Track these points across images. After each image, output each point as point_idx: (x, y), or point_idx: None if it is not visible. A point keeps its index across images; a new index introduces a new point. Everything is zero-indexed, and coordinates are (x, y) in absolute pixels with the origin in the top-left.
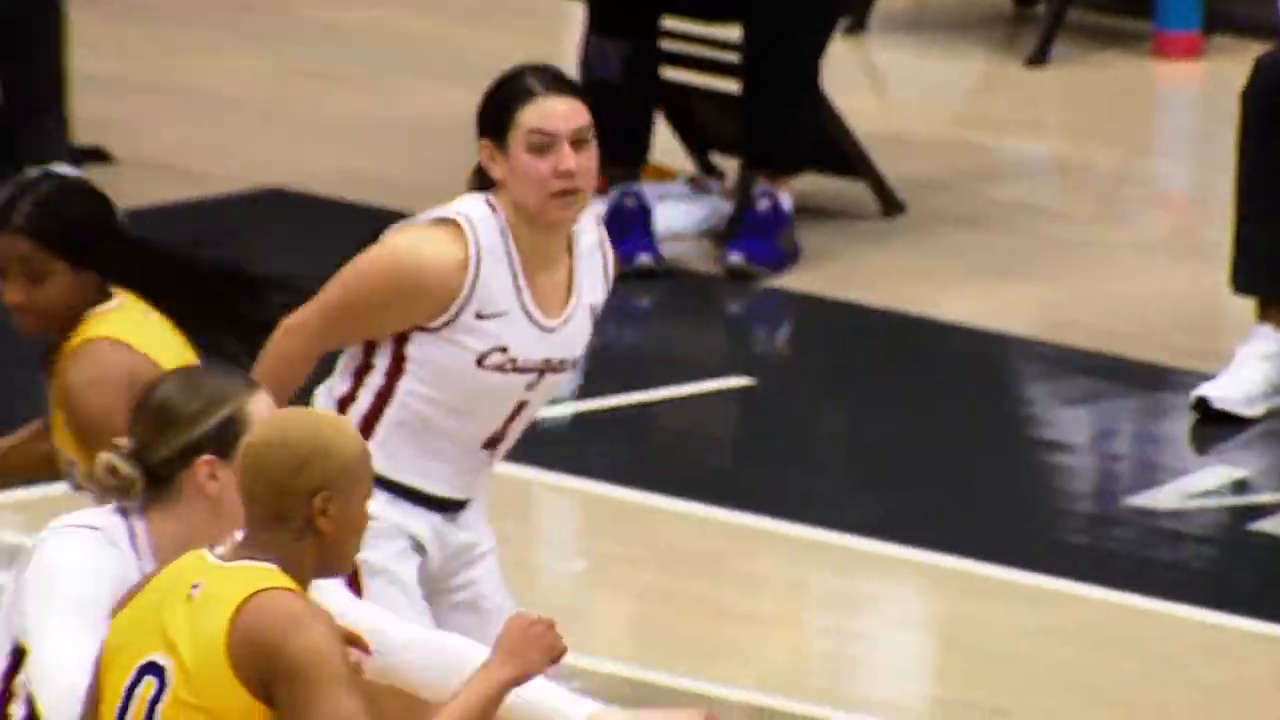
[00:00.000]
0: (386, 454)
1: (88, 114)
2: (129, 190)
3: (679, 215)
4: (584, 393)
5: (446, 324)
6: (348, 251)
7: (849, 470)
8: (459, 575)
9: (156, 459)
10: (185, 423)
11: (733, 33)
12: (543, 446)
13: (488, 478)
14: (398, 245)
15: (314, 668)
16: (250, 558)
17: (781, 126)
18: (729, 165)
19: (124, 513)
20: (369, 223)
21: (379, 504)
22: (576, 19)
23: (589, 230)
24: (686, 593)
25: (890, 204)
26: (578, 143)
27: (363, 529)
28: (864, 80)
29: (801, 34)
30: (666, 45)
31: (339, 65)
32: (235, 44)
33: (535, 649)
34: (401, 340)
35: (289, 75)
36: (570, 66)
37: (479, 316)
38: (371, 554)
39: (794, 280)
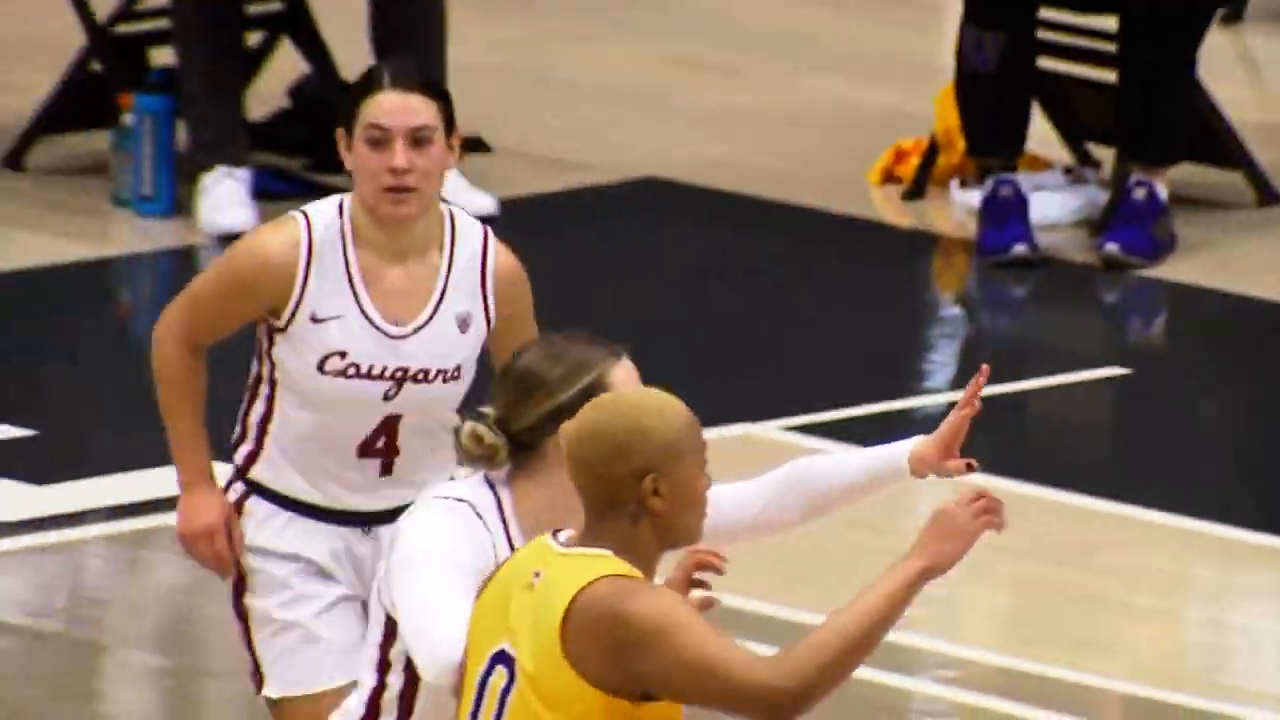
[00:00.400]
0: (273, 469)
1: (467, 105)
2: (506, 179)
3: (1055, 205)
4: (957, 382)
5: (288, 324)
6: (721, 240)
7: (1227, 462)
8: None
9: (520, 427)
10: (548, 390)
11: (1109, 23)
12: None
13: (406, 489)
14: (246, 238)
15: (664, 620)
16: (588, 545)
17: (1157, 116)
18: (1105, 155)
19: (491, 484)
20: (744, 212)
21: (273, 533)
22: (956, 10)
23: (473, 238)
24: (1062, 583)
25: (1266, 193)
26: (416, 141)
27: (701, 497)
28: (1240, 70)
29: (1178, 24)
30: (1043, 35)
31: (716, 55)
32: (613, 34)
33: (958, 537)
34: (270, 345)
35: (667, 65)
36: (946, 57)
37: (314, 320)
38: (256, 602)
39: (1169, 270)
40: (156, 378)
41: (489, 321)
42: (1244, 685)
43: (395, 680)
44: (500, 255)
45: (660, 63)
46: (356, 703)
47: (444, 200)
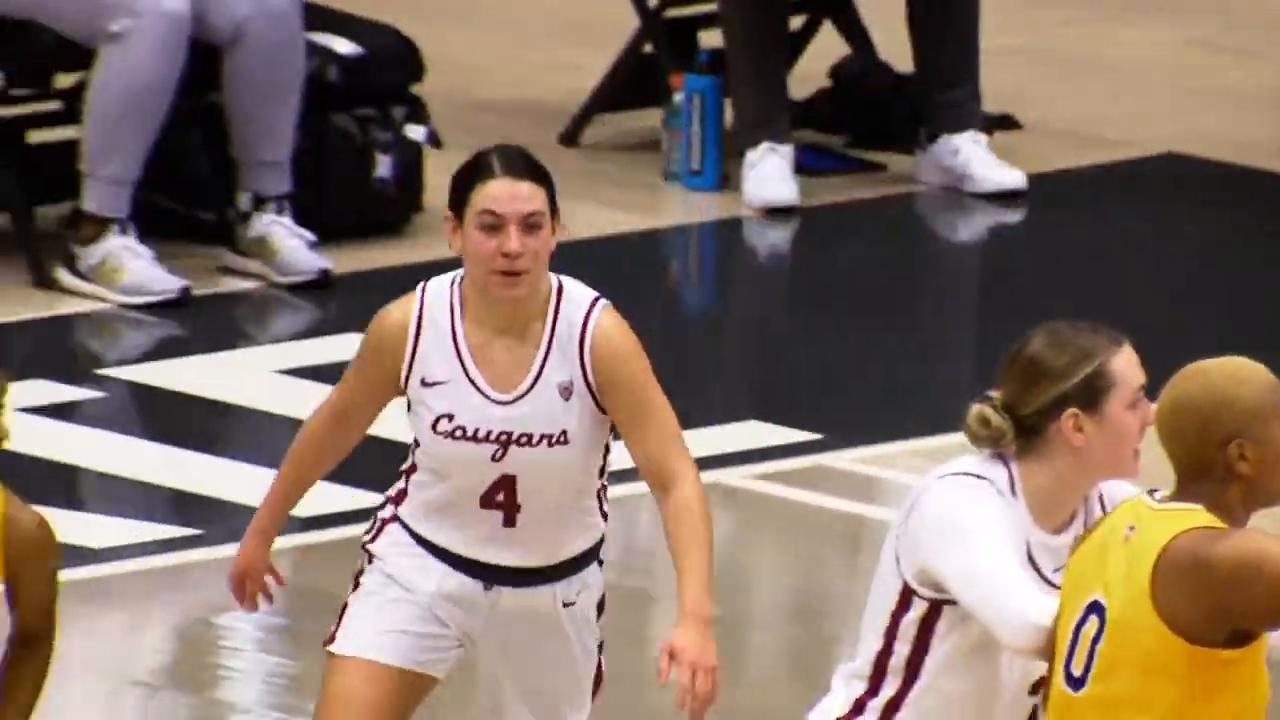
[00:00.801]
0: (412, 511)
1: (997, 83)
2: (1035, 156)
3: None
4: None
5: (405, 387)
6: (1241, 216)
7: None
8: (490, 661)
9: (1026, 411)
10: (1054, 376)
11: None
12: None
13: (538, 550)
14: (382, 309)
15: (1252, 553)
16: (1180, 500)
17: None
18: None
19: (1004, 460)
20: (1262, 188)
21: (397, 556)
22: None
23: (579, 308)
24: None
25: None
26: (528, 226)
27: None
28: None
29: None
30: None
31: (1238, 38)
32: (1137, 16)
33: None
34: (408, 409)
35: (1189, 46)
36: None
37: (424, 384)
38: (348, 623)
39: None
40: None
41: (590, 390)
42: None
43: (902, 647)
44: (601, 325)
45: (1184, 45)
46: (862, 663)
47: (556, 282)
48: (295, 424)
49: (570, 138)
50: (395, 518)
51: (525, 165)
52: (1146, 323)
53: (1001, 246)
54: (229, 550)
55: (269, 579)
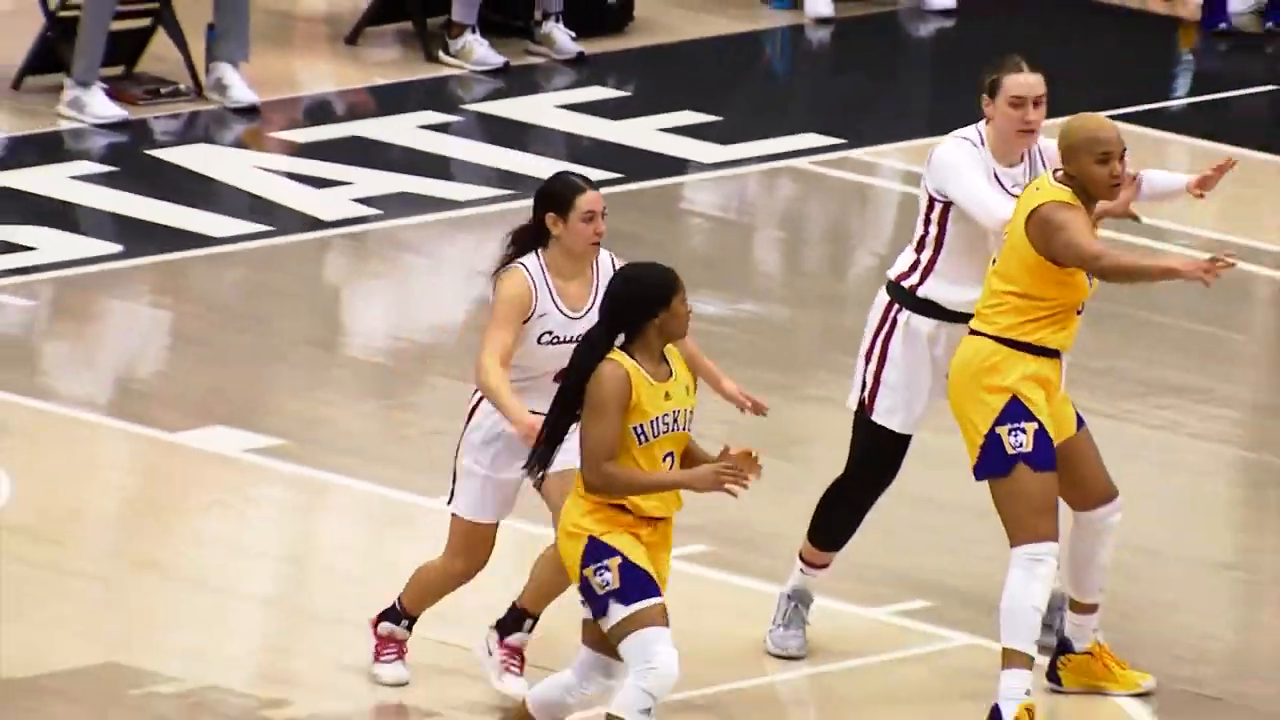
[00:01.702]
0: (511, 389)
1: None
2: None
3: None
4: None
5: (526, 321)
6: None
7: None
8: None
9: (984, 93)
10: (981, 86)
11: None
12: None
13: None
14: (505, 288)
15: (1057, 219)
16: (1063, 183)
17: None
18: None
19: (978, 127)
20: None
21: (493, 416)
22: None
23: (606, 262)
24: None
25: None
26: (602, 216)
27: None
28: None
29: None
30: None
31: None
32: None
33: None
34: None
35: None
36: None
37: (538, 316)
38: (460, 495)
39: None
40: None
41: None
42: None
43: (933, 229)
44: (617, 264)
45: None
46: (914, 242)
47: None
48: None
49: None
50: (476, 410)
51: (591, 181)
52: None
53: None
54: None
55: None
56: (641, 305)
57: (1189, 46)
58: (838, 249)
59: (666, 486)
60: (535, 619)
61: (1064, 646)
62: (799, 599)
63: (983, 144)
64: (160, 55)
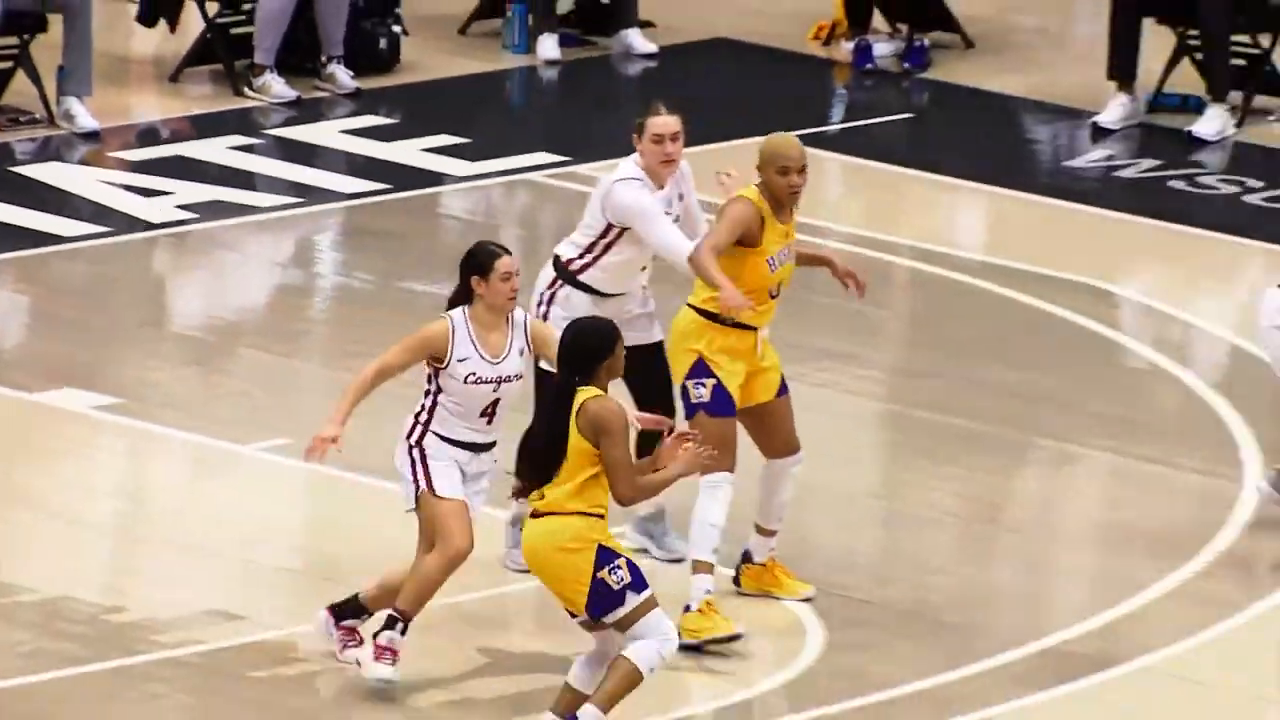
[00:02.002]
0: (439, 425)
1: None
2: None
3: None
4: None
5: (447, 365)
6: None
7: None
8: (477, 484)
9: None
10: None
11: None
12: None
13: (493, 433)
14: (426, 327)
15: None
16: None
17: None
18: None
19: (635, 162)
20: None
21: (448, 452)
22: None
23: (519, 313)
24: None
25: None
26: (515, 276)
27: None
28: None
29: None
30: None
31: None
32: None
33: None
34: (435, 375)
35: None
36: None
37: (459, 360)
38: (438, 478)
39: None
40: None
41: (530, 350)
42: None
43: (603, 243)
44: (533, 321)
45: None
46: (582, 246)
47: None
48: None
49: (463, 29)
50: (426, 432)
51: (506, 249)
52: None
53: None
54: None
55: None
56: (594, 353)
57: (844, 82)
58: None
59: (672, 480)
60: (371, 615)
61: (746, 558)
62: (519, 523)
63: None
64: (20, 91)
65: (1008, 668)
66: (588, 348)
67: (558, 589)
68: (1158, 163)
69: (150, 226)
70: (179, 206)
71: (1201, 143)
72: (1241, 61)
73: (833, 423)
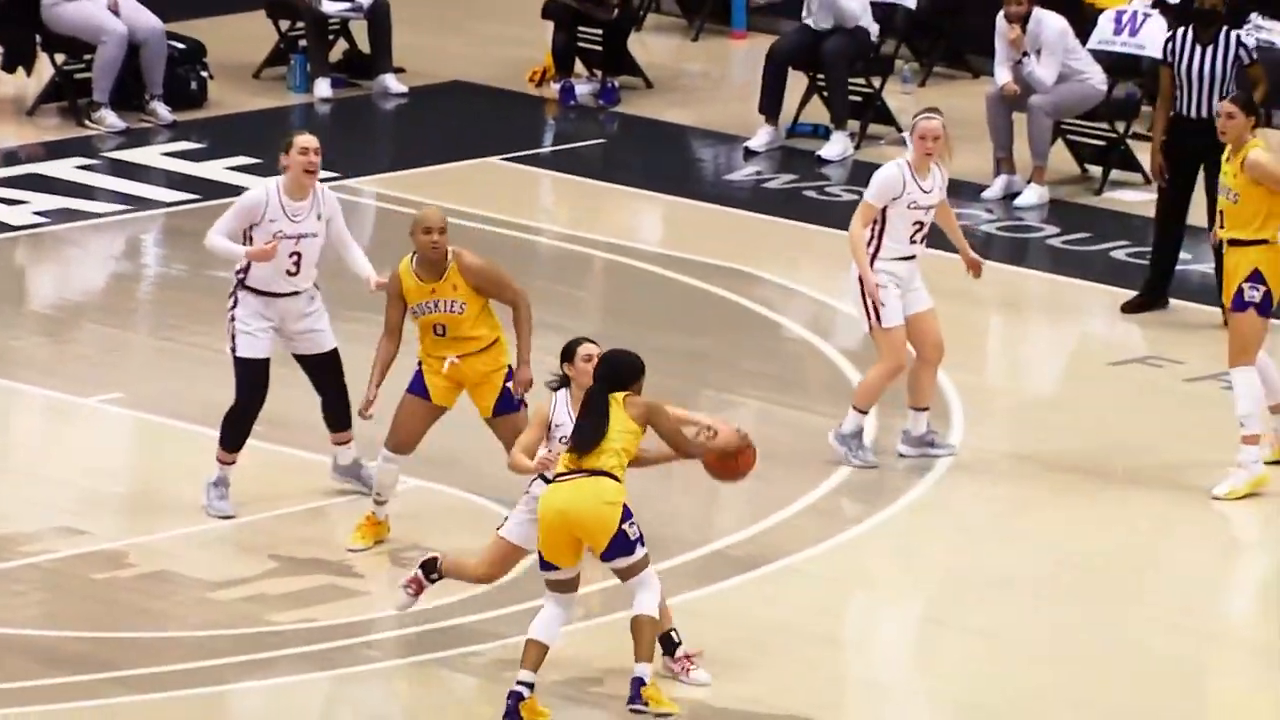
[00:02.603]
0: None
1: None
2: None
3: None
4: None
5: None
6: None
7: None
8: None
9: None
10: None
11: None
12: None
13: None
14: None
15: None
16: None
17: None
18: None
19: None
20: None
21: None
22: None
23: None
24: None
25: None
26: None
27: None
28: None
29: None
30: None
31: None
32: None
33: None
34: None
35: None
36: None
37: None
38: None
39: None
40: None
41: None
42: None
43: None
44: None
45: None
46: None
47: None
48: None
49: (256, 74)
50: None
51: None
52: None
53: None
54: None
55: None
56: (628, 377)
57: (553, 115)
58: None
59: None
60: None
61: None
62: (222, 481)
63: (279, 190)
64: None
65: (685, 566)
66: (626, 372)
67: (584, 532)
68: (794, 177)
69: (12, 229)
70: (35, 213)
71: (827, 162)
72: (858, 98)
73: (538, 379)
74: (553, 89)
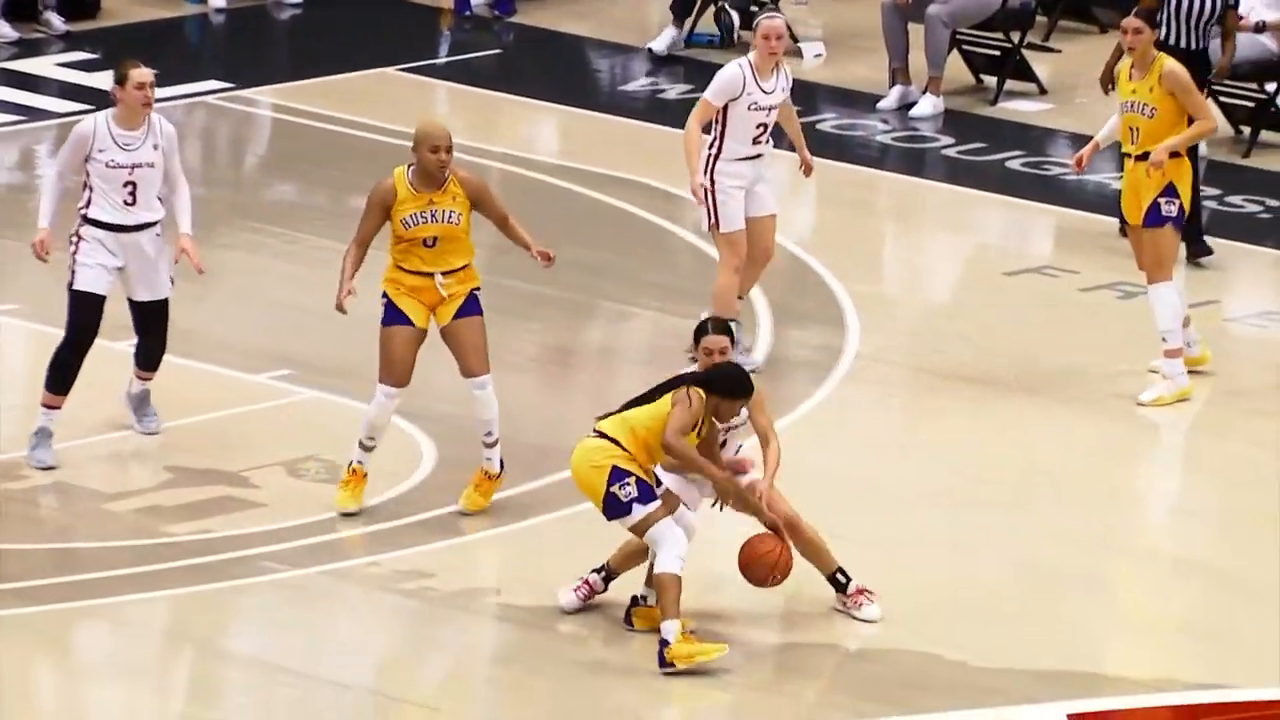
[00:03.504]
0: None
1: None
2: None
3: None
4: None
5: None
6: None
7: None
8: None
9: None
10: None
11: None
12: None
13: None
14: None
15: None
16: None
17: None
18: None
19: None
20: None
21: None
22: None
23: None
24: None
25: None
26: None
27: None
28: None
29: None
30: None
31: None
32: None
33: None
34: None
35: None
36: None
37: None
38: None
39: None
40: None
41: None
42: None
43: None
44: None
45: None
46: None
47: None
48: None
49: None
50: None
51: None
52: None
53: None
54: None
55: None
56: (737, 390)
57: (448, 25)
58: (232, 152)
59: (702, 470)
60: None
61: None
62: (44, 431)
63: (109, 120)
64: None
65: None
66: (735, 387)
67: (586, 495)
68: (690, 87)
69: None
70: None
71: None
72: (756, 8)
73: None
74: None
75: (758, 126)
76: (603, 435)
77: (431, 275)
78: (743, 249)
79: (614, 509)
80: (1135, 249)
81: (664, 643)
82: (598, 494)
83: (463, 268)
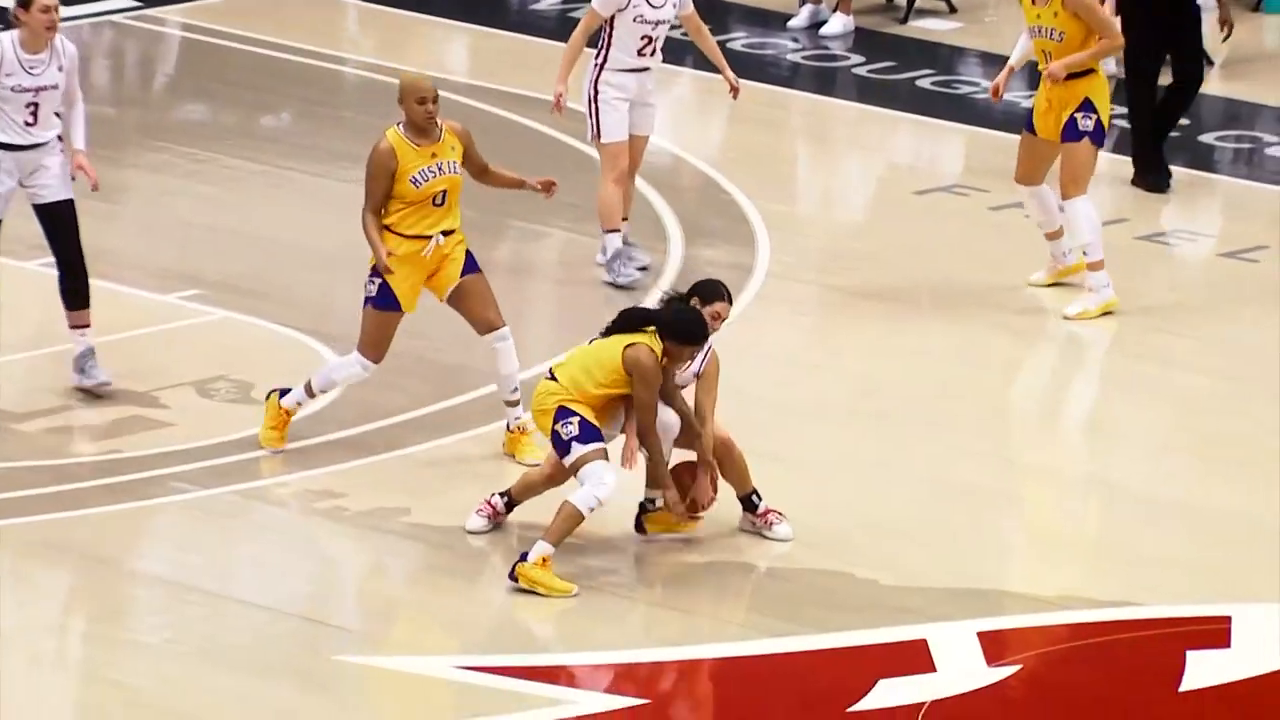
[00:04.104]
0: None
1: None
2: None
3: None
4: None
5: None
6: None
7: None
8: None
9: None
10: None
11: None
12: None
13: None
14: None
15: None
16: None
17: None
18: None
19: None
20: None
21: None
22: None
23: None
24: None
25: None
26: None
27: None
28: None
29: None
30: None
31: None
32: None
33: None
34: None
35: None
36: None
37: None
38: None
39: None
40: None
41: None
42: None
43: None
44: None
45: None
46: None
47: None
48: None
49: None
50: None
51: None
52: None
53: None
54: None
55: None
56: (690, 337)
57: None
58: (140, 72)
59: (655, 453)
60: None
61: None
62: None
63: (14, 44)
64: None
65: (486, 398)
66: (688, 329)
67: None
68: None
69: None
70: None
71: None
72: None
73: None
74: None
75: (643, 39)
76: (553, 378)
77: (430, 238)
78: (623, 161)
79: (557, 446)
80: (1023, 161)
81: (524, 556)
82: (546, 431)
83: (455, 230)
